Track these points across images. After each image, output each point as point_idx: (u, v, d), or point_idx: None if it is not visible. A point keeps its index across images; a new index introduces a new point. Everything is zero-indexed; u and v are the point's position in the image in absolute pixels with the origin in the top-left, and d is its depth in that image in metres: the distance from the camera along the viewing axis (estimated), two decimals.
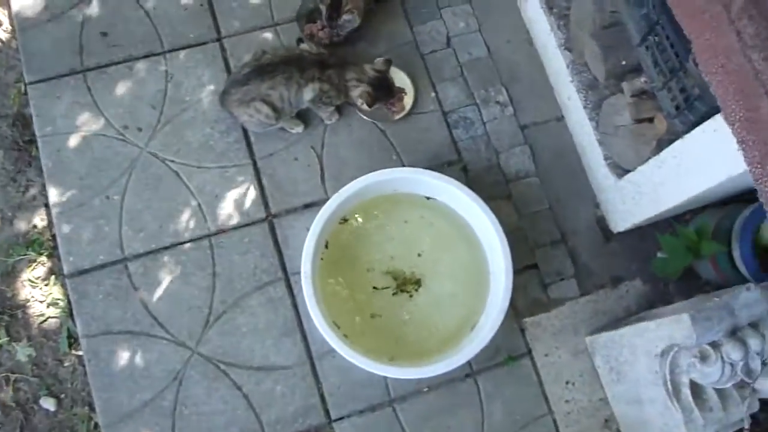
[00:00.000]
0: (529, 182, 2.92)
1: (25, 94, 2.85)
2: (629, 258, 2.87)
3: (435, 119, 2.94)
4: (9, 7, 2.97)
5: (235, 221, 2.74)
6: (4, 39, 2.99)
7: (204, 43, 2.96)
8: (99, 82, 2.87)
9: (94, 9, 2.97)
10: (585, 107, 2.79)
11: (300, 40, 2.91)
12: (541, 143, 2.97)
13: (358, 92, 2.71)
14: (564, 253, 2.85)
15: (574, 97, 2.84)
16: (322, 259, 2.57)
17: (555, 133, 2.99)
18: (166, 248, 2.70)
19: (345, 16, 2.79)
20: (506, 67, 3.04)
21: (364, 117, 2.88)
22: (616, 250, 2.88)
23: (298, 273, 2.54)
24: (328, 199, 2.70)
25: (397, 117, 2.90)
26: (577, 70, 2.82)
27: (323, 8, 2.81)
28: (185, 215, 2.73)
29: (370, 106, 2.71)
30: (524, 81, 3.03)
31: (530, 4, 3.00)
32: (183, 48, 2.95)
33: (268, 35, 2.99)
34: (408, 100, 2.93)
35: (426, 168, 2.79)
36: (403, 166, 2.85)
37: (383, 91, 2.76)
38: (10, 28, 2.98)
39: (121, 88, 2.87)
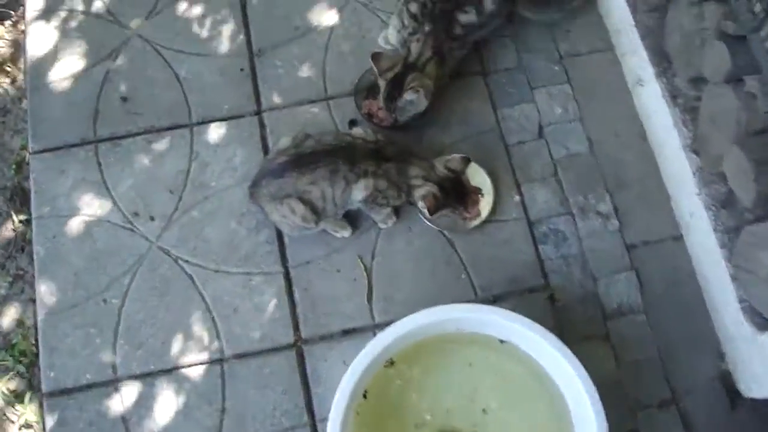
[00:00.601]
0: (634, 320, 2.25)
1: (28, 163, 2.39)
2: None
3: (518, 230, 2.33)
4: (25, 62, 2.54)
5: (255, 345, 2.18)
6: (14, 97, 2.56)
7: (240, 117, 2.45)
8: (112, 156, 2.39)
9: (118, 68, 2.51)
10: (715, 230, 2.13)
11: (353, 123, 2.37)
12: (652, 269, 2.31)
13: (421, 193, 2.14)
14: (674, 418, 2.17)
15: (700, 215, 2.19)
16: (357, 413, 1.97)
17: (670, 258, 2.33)
18: (167, 371, 2.16)
19: (407, 96, 2.23)
20: (612, 168, 2.41)
21: (429, 222, 2.30)
22: (744, 421, 2.19)
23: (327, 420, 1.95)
24: (374, 324, 2.17)
25: (471, 225, 2.31)
26: (706, 180, 2.17)
27: (383, 84, 2.26)
28: (195, 331, 2.19)
29: (432, 213, 2.13)
30: (634, 187, 2.39)
31: (647, 90, 2.38)
32: (214, 121, 2.44)
33: (317, 110, 2.46)
34: (485, 204, 2.33)
35: (503, 293, 2.22)
36: (473, 286, 2.25)
37: (453, 195, 2.19)
38: (23, 86, 2.54)
39: (137, 166, 2.38)
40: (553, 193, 2.37)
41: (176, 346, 2.18)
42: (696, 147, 2.18)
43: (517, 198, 2.37)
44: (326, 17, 2.60)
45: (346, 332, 2.20)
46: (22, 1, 2.63)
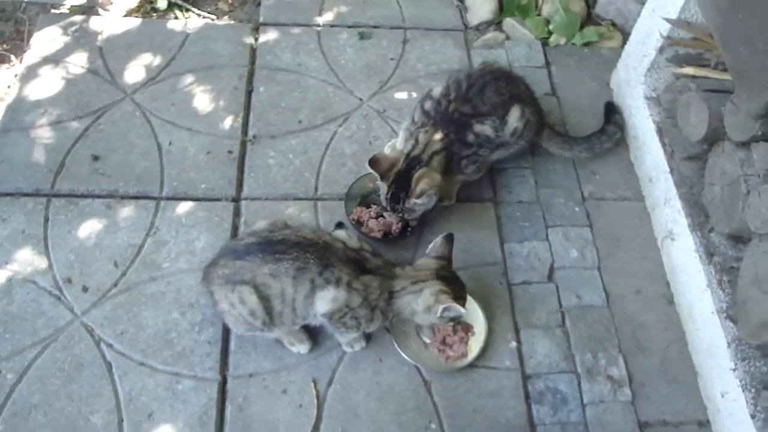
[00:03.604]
0: None
1: None
2: None
3: (509, 382, 1.92)
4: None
5: None
6: None
7: (215, 200, 2.18)
8: (63, 213, 2.11)
9: (99, 127, 2.30)
10: (754, 416, 1.73)
11: (339, 225, 2.07)
12: None
13: (427, 301, 1.72)
14: None
15: (734, 397, 1.79)
16: None
17: None
18: None
19: (419, 200, 1.97)
20: (630, 329, 2.03)
21: (404, 354, 1.92)
22: None
23: None
24: None
25: (453, 365, 1.92)
26: (743, 354, 1.80)
27: (384, 186, 2.00)
28: None
29: (462, 304, 1.72)
30: (654, 354, 2.00)
31: (678, 245, 2.07)
32: (185, 199, 2.17)
33: (301, 209, 2.18)
34: (474, 344, 1.96)
35: None
36: None
37: (453, 286, 1.77)
38: None
39: (86, 229, 2.08)
40: (557, 345, 1.99)
41: None
42: (733, 313, 1.82)
43: (513, 344, 1.99)
44: (335, 117, 2.41)
45: None
46: (27, 48, 2.49)
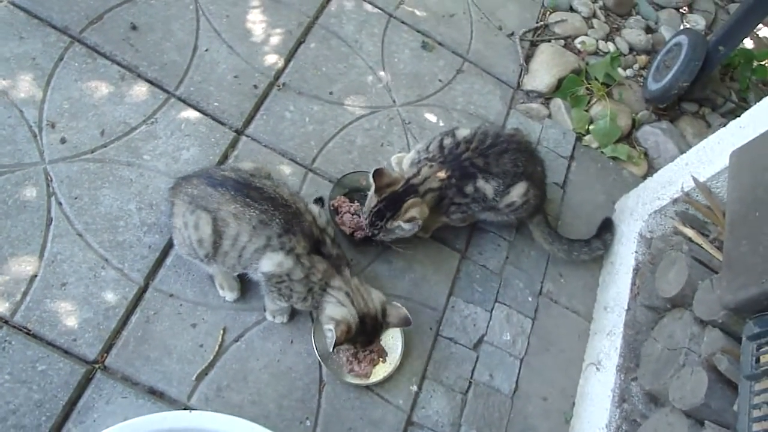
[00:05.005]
0: None
1: None
2: None
3: (393, 420, 1.96)
4: None
5: (51, 332, 1.74)
6: None
7: (220, 122, 2.18)
8: (78, 62, 2.10)
9: (151, 0, 2.28)
10: None
11: (318, 201, 2.09)
12: None
13: (335, 315, 1.80)
14: None
15: None
16: None
17: None
18: None
19: (405, 225, 2.00)
20: (521, 426, 2.09)
21: (315, 348, 1.95)
22: None
23: None
24: (185, 406, 1.75)
25: (353, 380, 1.96)
26: None
27: (374, 199, 2.02)
28: (6, 274, 1.76)
29: (339, 342, 1.77)
30: None
31: (600, 377, 2.13)
32: (194, 108, 2.17)
33: (291, 171, 2.20)
34: (380, 371, 2.00)
35: None
36: None
37: (365, 338, 1.86)
38: None
39: (92, 87, 2.07)
40: (450, 409, 2.04)
41: None
42: None
43: (413, 388, 2.03)
44: (363, 106, 2.43)
45: (153, 392, 1.77)
46: None
